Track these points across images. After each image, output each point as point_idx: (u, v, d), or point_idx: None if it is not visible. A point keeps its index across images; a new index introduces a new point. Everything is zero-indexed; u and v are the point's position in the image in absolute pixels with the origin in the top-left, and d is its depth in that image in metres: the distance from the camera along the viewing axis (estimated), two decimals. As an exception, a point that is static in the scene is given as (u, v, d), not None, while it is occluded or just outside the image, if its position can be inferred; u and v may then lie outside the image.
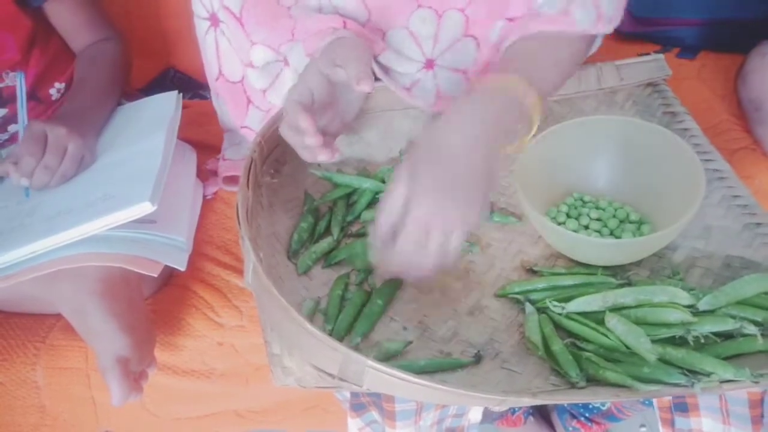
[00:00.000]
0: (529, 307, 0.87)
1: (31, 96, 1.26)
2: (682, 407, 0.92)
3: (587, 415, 1.44)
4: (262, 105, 1.12)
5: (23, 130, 1.08)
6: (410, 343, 0.85)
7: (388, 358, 0.83)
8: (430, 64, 1.07)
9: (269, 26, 1.04)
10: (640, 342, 0.77)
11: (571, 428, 1.48)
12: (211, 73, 1.15)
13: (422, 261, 0.78)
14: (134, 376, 0.98)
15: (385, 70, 1.07)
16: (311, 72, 0.91)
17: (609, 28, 1.00)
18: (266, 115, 1.11)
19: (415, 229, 0.77)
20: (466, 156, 0.79)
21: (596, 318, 0.83)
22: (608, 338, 0.80)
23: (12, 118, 1.24)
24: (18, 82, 1.10)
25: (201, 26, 1.11)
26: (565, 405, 1.48)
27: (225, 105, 1.17)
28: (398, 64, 1.06)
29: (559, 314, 0.85)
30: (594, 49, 1.06)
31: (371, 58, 0.94)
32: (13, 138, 1.27)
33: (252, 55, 1.06)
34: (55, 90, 1.30)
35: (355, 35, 1.00)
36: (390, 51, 1.05)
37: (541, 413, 1.55)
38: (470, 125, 0.81)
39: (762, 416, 0.88)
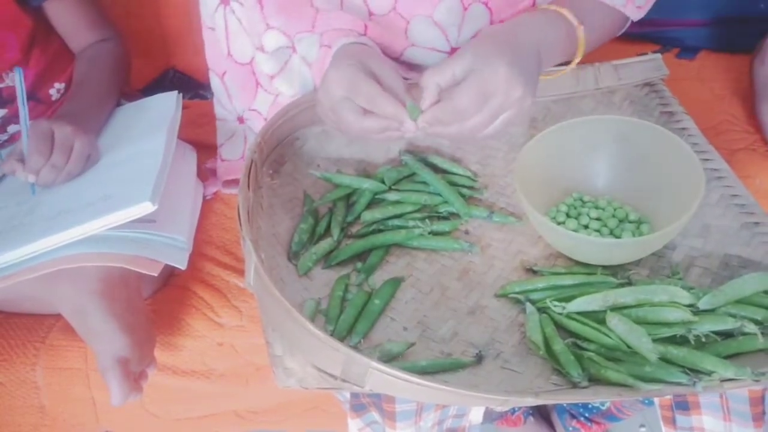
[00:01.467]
0: (529, 307, 0.87)
1: (31, 96, 1.26)
2: (683, 405, 0.93)
3: (587, 414, 1.45)
4: (270, 89, 1.11)
5: (25, 127, 1.08)
6: (413, 344, 0.85)
7: (390, 359, 0.83)
8: (454, 52, 1.07)
9: (289, 13, 1.04)
10: (642, 342, 0.77)
11: (571, 428, 1.48)
12: (218, 51, 1.14)
13: (470, 122, 0.85)
14: (134, 376, 0.99)
15: (410, 66, 1.07)
16: (356, 66, 0.90)
17: (636, 14, 1.06)
18: (274, 100, 1.11)
19: (477, 88, 0.83)
20: (538, 57, 0.91)
21: (597, 318, 0.83)
22: (609, 338, 0.80)
23: (11, 119, 1.24)
24: (17, 79, 1.10)
25: (209, 4, 1.11)
26: (565, 405, 1.48)
27: (231, 85, 1.16)
28: (423, 57, 1.07)
29: (560, 314, 0.85)
30: (619, 32, 1.12)
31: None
32: (12, 138, 1.27)
33: (264, 40, 1.06)
34: (55, 90, 1.30)
35: (375, 44, 1.00)
36: (414, 47, 1.06)
37: (541, 413, 1.55)
38: (543, 37, 0.94)
39: (763, 413, 0.89)
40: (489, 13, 1.05)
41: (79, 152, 1.08)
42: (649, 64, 1.15)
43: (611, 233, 0.94)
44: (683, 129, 1.05)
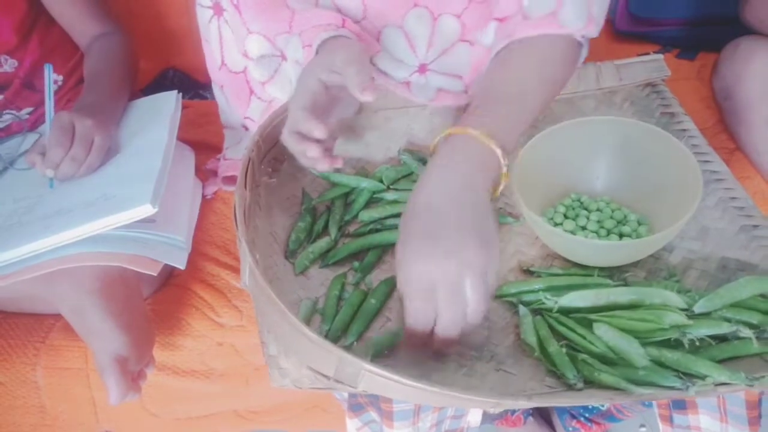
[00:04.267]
0: (522, 309, 0.86)
1: (27, 84, 1.27)
2: (680, 405, 0.92)
3: (587, 415, 1.44)
4: (263, 96, 1.11)
5: (50, 123, 1.09)
6: (398, 335, 0.85)
7: (379, 352, 0.83)
8: (423, 68, 1.07)
9: (266, 15, 1.04)
10: (632, 347, 0.77)
11: (571, 428, 1.48)
12: (213, 63, 1.15)
13: (442, 321, 0.75)
14: (132, 375, 0.99)
15: (379, 70, 1.07)
16: (310, 77, 0.90)
17: (596, 32, 0.98)
18: (267, 106, 1.11)
19: (417, 289, 0.75)
20: (450, 208, 0.78)
21: (591, 317, 0.83)
22: (596, 347, 0.79)
23: (6, 107, 1.26)
24: (46, 75, 1.11)
25: (204, 15, 1.11)
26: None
27: (228, 95, 1.16)
28: (392, 67, 1.07)
29: (551, 309, 0.85)
30: (581, 59, 1.01)
31: (369, 62, 0.94)
32: (8, 129, 1.28)
33: (247, 45, 1.06)
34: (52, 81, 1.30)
35: (354, 36, 1.00)
36: (384, 54, 1.05)
37: (541, 413, 1.55)
38: (448, 181, 0.81)
39: (759, 417, 0.88)
40: (461, 27, 1.04)
41: (99, 145, 1.08)
42: (651, 65, 1.14)
43: (609, 234, 0.94)
44: (683, 130, 1.05)
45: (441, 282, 0.74)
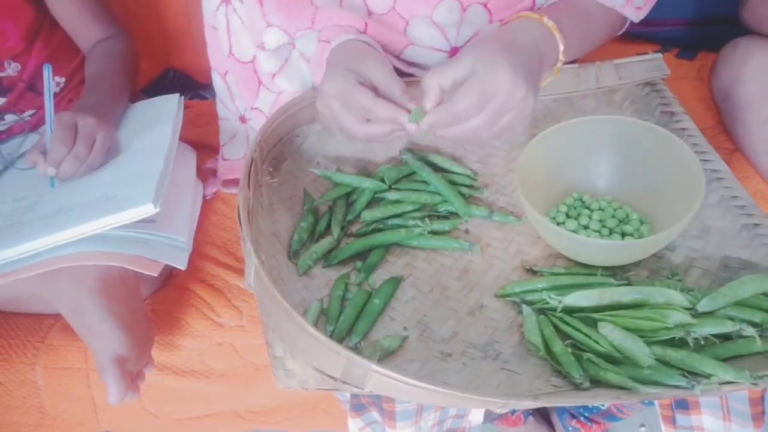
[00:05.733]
0: (526, 309, 0.87)
1: (30, 87, 1.27)
2: (683, 405, 0.93)
3: (587, 414, 1.45)
4: (272, 87, 1.11)
5: (50, 122, 1.10)
6: (406, 338, 0.85)
7: (386, 355, 0.83)
8: (454, 51, 1.08)
9: (289, 11, 1.04)
10: (637, 346, 0.77)
11: (570, 428, 1.48)
12: (220, 50, 1.14)
13: (471, 123, 0.85)
14: (131, 375, 0.99)
15: (410, 63, 1.08)
16: (346, 78, 0.90)
17: (636, 15, 1.06)
18: (276, 98, 1.11)
19: (478, 90, 0.83)
20: (536, 65, 0.90)
21: (595, 317, 0.83)
22: (601, 346, 0.80)
23: (9, 109, 1.25)
24: (45, 75, 1.11)
25: (211, 3, 1.10)
26: (565, 405, 1.48)
27: (234, 85, 1.16)
28: (423, 57, 1.07)
29: (555, 308, 0.85)
30: (618, 32, 1.13)
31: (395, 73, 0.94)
32: (10, 131, 1.28)
33: (265, 37, 1.06)
34: (54, 83, 1.30)
35: (375, 43, 1.00)
36: (414, 46, 1.06)
37: (541, 413, 1.55)
38: (541, 40, 0.94)
39: (763, 413, 0.89)
40: (488, 13, 1.05)
41: (101, 144, 1.08)
42: (650, 64, 1.15)
43: (611, 234, 0.94)
44: (683, 129, 1.05)
45: (504, 97, 0.84)
